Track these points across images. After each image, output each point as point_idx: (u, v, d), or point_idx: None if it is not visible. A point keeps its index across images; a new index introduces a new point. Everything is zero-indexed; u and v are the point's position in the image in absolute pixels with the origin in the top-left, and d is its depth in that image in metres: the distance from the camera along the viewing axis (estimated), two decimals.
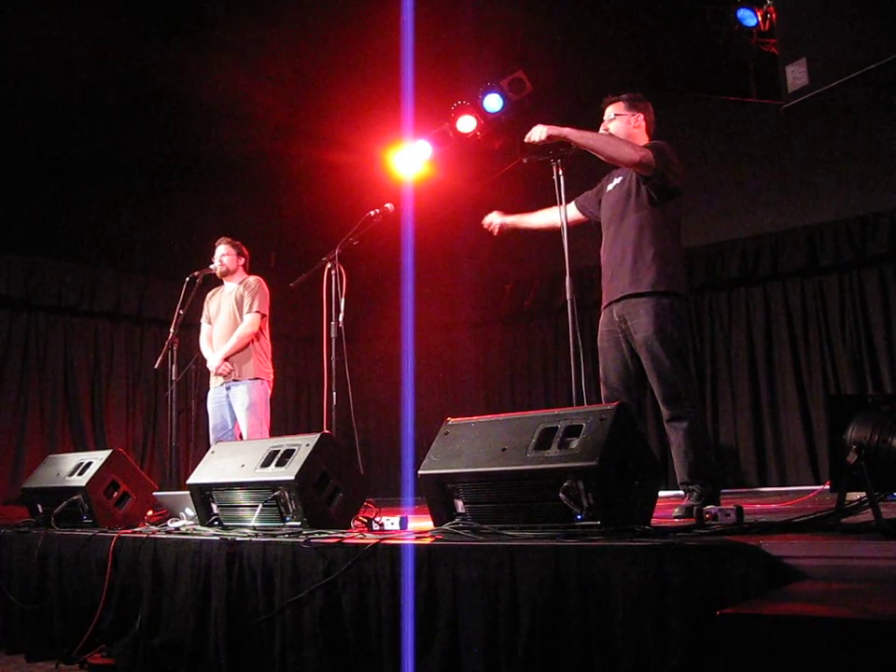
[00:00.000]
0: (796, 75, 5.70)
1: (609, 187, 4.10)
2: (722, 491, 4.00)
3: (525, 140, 3.86)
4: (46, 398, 7.82)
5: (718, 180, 7.44)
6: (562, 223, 3.91)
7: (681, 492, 3.81)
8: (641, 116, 4.08)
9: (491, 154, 8.40)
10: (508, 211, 4.54)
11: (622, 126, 4.06)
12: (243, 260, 5.97)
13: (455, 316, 9.19)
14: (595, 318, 7.33)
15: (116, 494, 4.45)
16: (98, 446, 7.64)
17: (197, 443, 7.11)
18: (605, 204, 4.09)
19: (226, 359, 5.62)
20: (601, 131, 4.05)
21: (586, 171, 4.30)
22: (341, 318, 4.67)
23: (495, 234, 4.47)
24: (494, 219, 4.46)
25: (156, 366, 5.87)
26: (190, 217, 8.29)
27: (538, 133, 3.83)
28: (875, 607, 1.67)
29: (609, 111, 4.10)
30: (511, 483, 2.75)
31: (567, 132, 3.81)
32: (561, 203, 3.89)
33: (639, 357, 3.88)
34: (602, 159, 3.85)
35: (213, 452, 3.93)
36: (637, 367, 3.90)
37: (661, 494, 2.94)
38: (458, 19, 7.10)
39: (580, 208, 4.26)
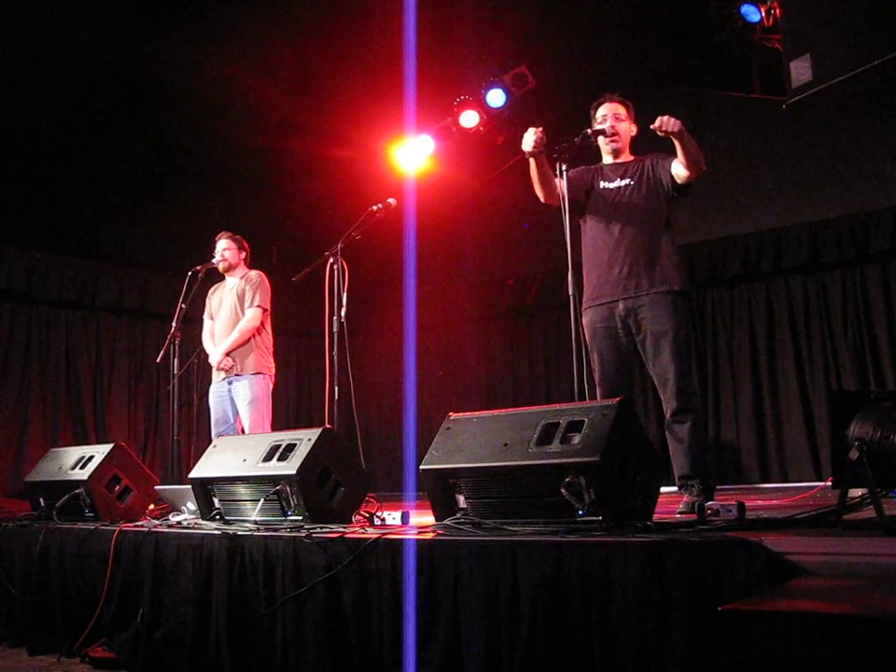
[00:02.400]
0: (800, 70, 5.69)
1: (609, 185, 4.10)
2: (724, 487, 4.03)
3: (655, 126, 3.71)
4: (48, 391, 7.83)
5: (720, 176, 7.41)
6: (564, 221, 3.87)
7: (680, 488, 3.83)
8: (635, 128, 4.20)
9: (493, 149, 8.38)
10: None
11: (626, 129, 4.16)
12: (244, 255, 5.96)
13: (456, 312, 9.18)
14: None
15: (117, 488, 4.46)
16: (100, 440, 7.65)
17: (199, 438, 7.10)
18: (604, 200, 4.08)
19: (227, 354, 5.62)
20: (608, 125, 4.09)
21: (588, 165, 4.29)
22: (343, 313, 4.67)
23: (531, 145, 3.91)
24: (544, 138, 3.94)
25: (158, 360, 5.87)
26: (192, 212, 8.28)
27: (673, 124, 3.70)
28: (877, 603, 1.67)
29: (617, 109, 4.12)
30: (512, 478, 2.75)
31: (684, 129, 3.78)
32: (564, 199, 3.87)
33: (636, 354, 3.94)
34: (687, 159, 3.84)
35: (215, 446, 3.93)
36: (633, 364, 4.02)
37: (662, 490, 2.94)
38: (461, 13, 7.09)
39: (572, 188, 4.08)
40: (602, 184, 4.12)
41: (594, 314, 4.02)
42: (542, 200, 4.11)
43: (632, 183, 4.05)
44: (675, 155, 3.91)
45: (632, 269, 3.94)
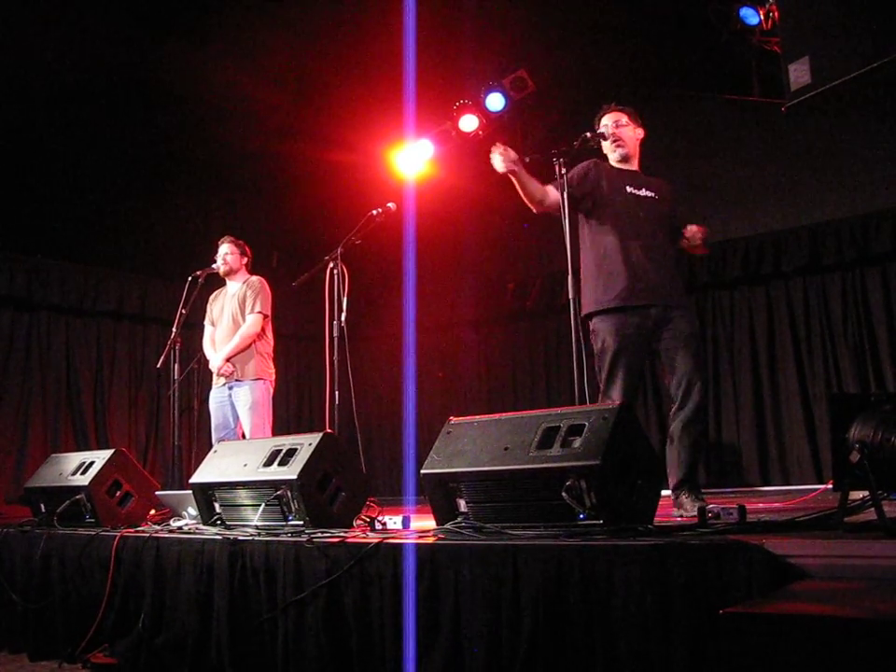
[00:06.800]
0: (799, 73, 5.69)
1: (636, 192, 4.09)
2: (725, 490, 4.04)
3: (693, 236, 4.06)
4: (48, 397, 7.82)
5: (720, 179, 7.43)
6: (564, 225, 3.87)
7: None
8: (641, 132, 4.24)
9: None
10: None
11: (630, 135, 4.18)
12: (245, 260, 5.97)
13: (456, 316, 9.18)
14: None
15: (118, 493, 4.45)
16: (100, 445, 7.64)
17: (199, 443, 7.11)
18: (632, 206, 4.05)
19: (228, 360, 5.62)
20: (611, 131, 4.13)
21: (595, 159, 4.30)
22: (343, 318, 4.67)
23: (502, 165, 3.93)
24: (510, 154, 3.94)
25: (158, 365, 5.87)
26: (193, 217, 8.30)
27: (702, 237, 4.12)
28: (878, 606, 1.67)
29: (615, 117, 4.17)
30: (513, 482, 2.74)
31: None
32: (563, 201, 3.87)
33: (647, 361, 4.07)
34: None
35: (215, 451, 3.93)
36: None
37: (663, 493, 2.94)
38: (460, 18, 7.09)
39: (580, 182, 4.10)
40: (629, 189, 4.08)
41: (623, 318, 3.90)
42: (535, 211, 4.09)
43: (657, 197, 4.12)
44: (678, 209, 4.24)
45: (663, 278, 3.96)
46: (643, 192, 4.09)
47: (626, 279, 3.92)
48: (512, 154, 3.91)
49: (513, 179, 3.99)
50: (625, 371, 3.85)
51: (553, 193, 3.98)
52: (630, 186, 4.10)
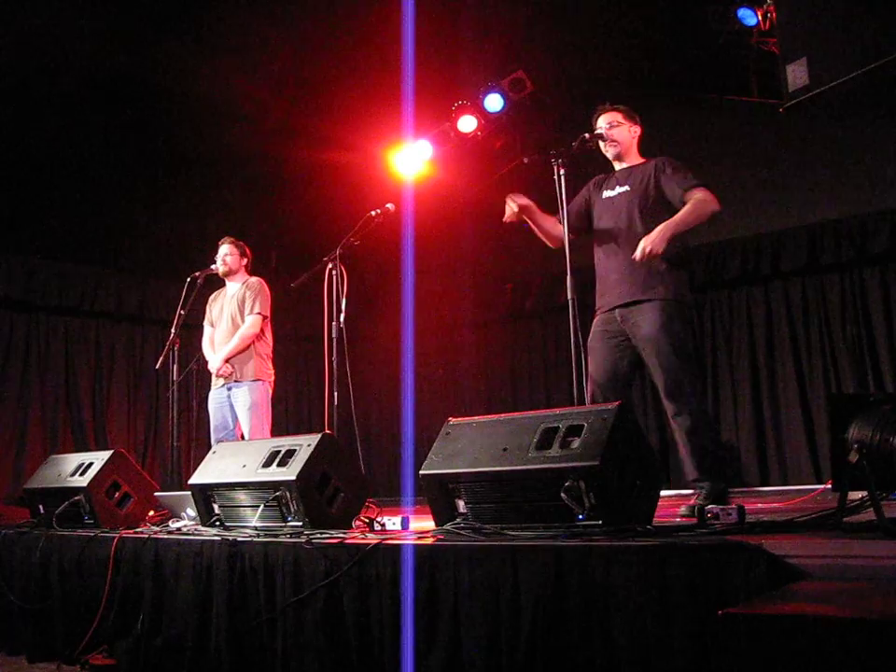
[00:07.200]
0: (797, 74, 5.70)
1: (610, 193, 4.14)
2: None
3: (643, 258, 3.78)
4: (47, 398, 7.83)
5: (718, 179, 7.37)
6: (562, 222, 3.92)
7: (685, 490, 3.82)
8: (638, 129, 4.25)
9: (492, 154, 8.39)
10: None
11: (625, 134, 4.20)
12: (245, 261, 5.96)
13: (455, 316, 9.18)
14: None
15: (117, 494, 4.45)
16: (99, 447, 7.64)
17: (198, 444, 7.10)
18: (605, 210, 4.13)
19: (227, 361, 5.62)
20: (607, 132, 4.12)
21: (587, 170, 4.31)
22: (342, 318, 4.67)
23: (506, 216, 4.19)
24: (520, 201, 4.13)
25: (157, 366, 5.86)
26: (191, 218, 8.29)
27: (653, 249, 3.78)
28: (878, 606, 1.67)
29: (609, 118, 4.20)
30: (512, 482, 2.74)
31: (670, 231, 3.81)
32: (561, 202, 3.90)
33: (633, 360, 3.98)
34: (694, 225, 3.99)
35: (214, 452, 3.93)
36: (627, 368, 4.02)
37: (662, 493, 2.94)
38: (459, 19, 7.10)
39: (574, 229, 4.18)
40: (605, 193, 4.16)
41: (599, 319, 4.10)
42: (552, 246, 4.26)
43: (629, 189, 4.08)
44: (680, 168, 4.04)
45: (624, 276, 3.97)
46: (617, 191, 4.12)
47: (599, 286, 4.13)
48: (520, 200, 4.09)
49: (527, 220, 4.17)
50: (592, 362, 3.99)
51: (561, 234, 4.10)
52: (607, 189, 4.16)
